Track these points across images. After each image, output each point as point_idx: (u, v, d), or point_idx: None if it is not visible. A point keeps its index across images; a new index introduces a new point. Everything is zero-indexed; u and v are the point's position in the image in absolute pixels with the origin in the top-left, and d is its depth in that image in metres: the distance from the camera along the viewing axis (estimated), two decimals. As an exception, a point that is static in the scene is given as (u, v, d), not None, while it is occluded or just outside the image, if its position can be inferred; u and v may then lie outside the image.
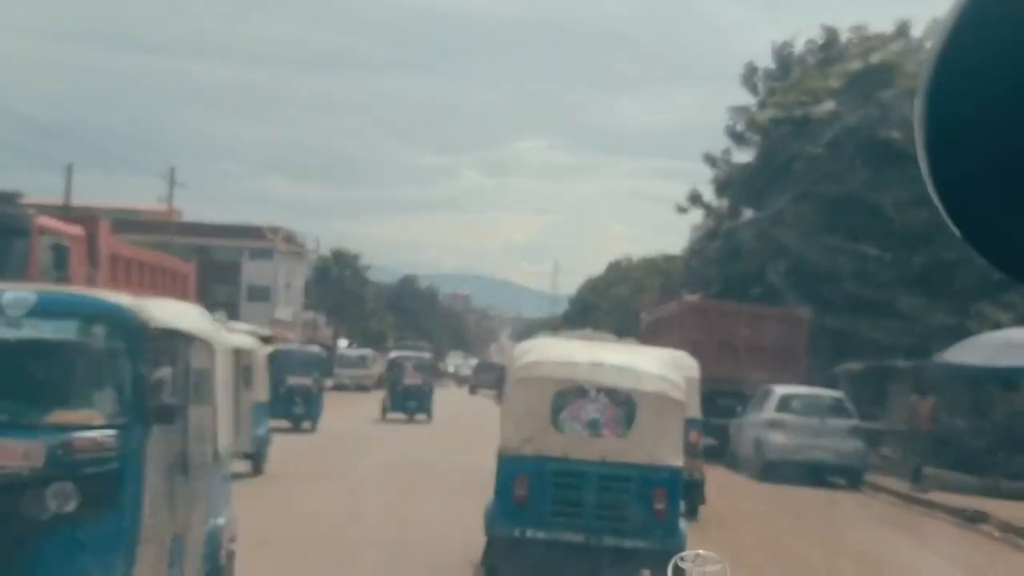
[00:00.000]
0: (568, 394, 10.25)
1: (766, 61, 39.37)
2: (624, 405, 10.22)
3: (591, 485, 10.11)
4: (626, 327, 54.96)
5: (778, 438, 23.81)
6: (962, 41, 1.17)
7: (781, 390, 25.03)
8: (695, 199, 41.12)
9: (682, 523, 10.41)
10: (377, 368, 60.14)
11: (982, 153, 1.18)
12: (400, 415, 36.85)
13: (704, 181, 40.60)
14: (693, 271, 42.33)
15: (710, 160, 40.06)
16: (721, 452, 25.86)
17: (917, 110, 1.20)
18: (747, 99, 39.56)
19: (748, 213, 37.24)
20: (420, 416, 37.19)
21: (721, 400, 25.70)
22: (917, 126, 1.21)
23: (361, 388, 58.13)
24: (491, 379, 59.83)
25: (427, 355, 38.17)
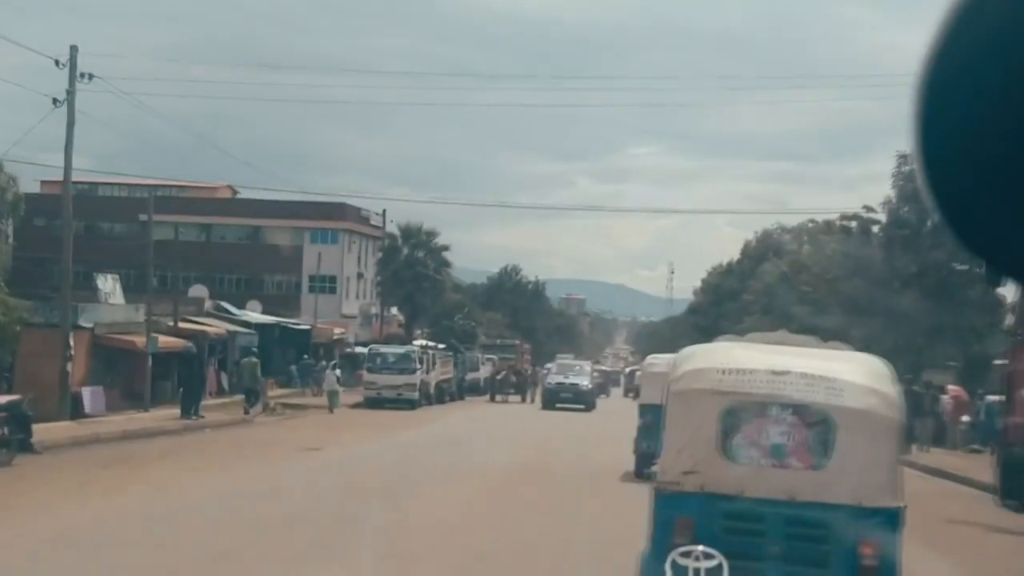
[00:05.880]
0: (742, 412, 8.48)
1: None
2: (819, 426, 8.38)
3: (775, 532, 8.38)
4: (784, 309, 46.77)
5: None
6: (955, 47, 1.19)
7: None
8: None
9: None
10: (438, 374, 51.27)
11: (979, 158, 1.21)
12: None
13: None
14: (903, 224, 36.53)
15: None
16: None
17: (911, 116, 1.25)
18: None
19: None
20: None
21: None
22: (912, 133, 1.26)
23: (403, 403, 43.89)
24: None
25: None
